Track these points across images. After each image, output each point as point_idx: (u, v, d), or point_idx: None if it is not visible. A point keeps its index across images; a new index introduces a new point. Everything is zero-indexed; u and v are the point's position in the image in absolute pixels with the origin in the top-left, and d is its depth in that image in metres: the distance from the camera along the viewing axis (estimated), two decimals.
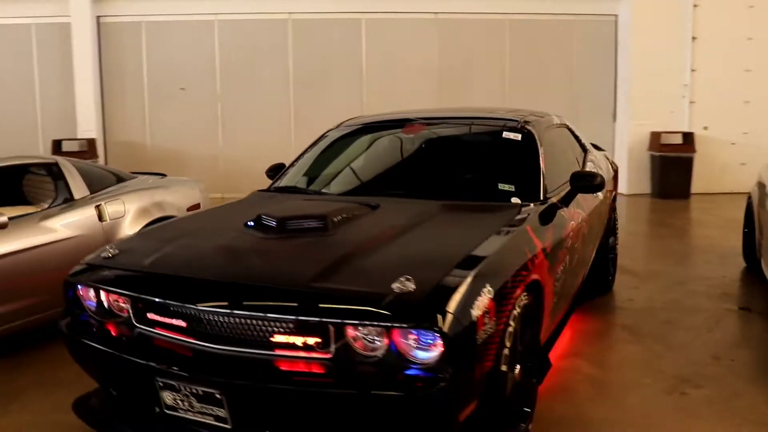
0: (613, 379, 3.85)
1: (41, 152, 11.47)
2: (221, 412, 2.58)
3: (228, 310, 2.57)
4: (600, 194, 4.66)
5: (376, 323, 2.38)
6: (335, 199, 3.74)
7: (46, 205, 4.79)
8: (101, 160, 11.76)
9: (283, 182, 4.27)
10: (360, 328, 2.41)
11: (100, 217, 4.85)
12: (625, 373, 3.91)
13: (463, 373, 2.41)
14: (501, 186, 3.70)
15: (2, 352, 4.23)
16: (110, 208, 4.96)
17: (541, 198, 3.67)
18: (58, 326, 3.13)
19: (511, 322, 2.75)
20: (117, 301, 2.90)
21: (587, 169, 4.86)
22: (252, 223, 3.22)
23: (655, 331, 4.60)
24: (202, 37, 12.00)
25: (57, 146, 11.27)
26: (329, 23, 11.97)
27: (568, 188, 3.92)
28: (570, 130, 5.08)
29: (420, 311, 2.38)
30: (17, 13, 11.76)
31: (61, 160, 5.05)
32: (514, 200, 3.59)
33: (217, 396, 2.55)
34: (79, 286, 3.05)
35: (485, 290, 2.56)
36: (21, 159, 4.97)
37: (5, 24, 11.85)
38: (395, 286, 2.45)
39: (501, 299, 2.65)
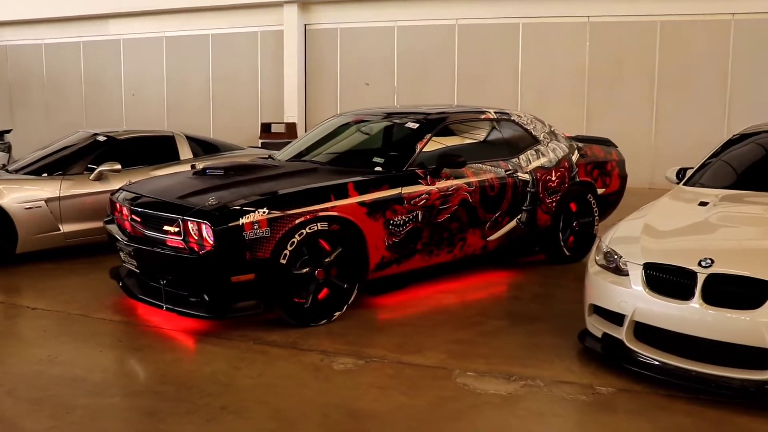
0: (458, 312, 5.19)
1: (258, 133, 14.63)
2: (134, 263, 4.75)
3: (142, 209, 4.73)
4: (514, 175, 5.91)
5: (188, 218, 4.35)
6: (271, 161, 5.68)
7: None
8: None
9: (277, 153, 6.29)
10: (190, 223, 4.37)
11: None
12: (471, 310, 5.21)
13: (228, 250, 4.26)
14: (374, 158, 5.32)
15: (87, 252, 6.72)
16: (200, 165, 7.34)
17: (404, 169, 5.22)
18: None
19: (297, 237, 4.50)
20: (119, 206, 5.17)
21: (526, 155, 6.15)
22: (197, 171, 5.31)
23: (539, 292, 5.74)
24: (384, 41, 14.26)
25: (266, 128, 14.35)
26: (490, 28, 13.47)
27: (484, 165, 5.63)
28: (520, 125, 6.33)
29: (205, 214, 4.30)
30: (249, 23, 15.09)
31: (176, 134, 7.58)
32: (377, 169, 5.21)
33: (132, 253, 4.72)
34: (111, 197, 5.42)
35: (260, 211, 4.36)
36: (150, 132, 7.60)
37: (240, 32, 15.27)
38: (206, 203, 4.39)
39: (278, 219, 4.41)
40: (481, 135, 6.09)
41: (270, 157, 6.20)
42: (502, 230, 5.91)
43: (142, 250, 4.66)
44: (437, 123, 5.64)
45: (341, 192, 4.77)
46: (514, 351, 4.30)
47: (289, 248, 4.47)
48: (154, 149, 7.40)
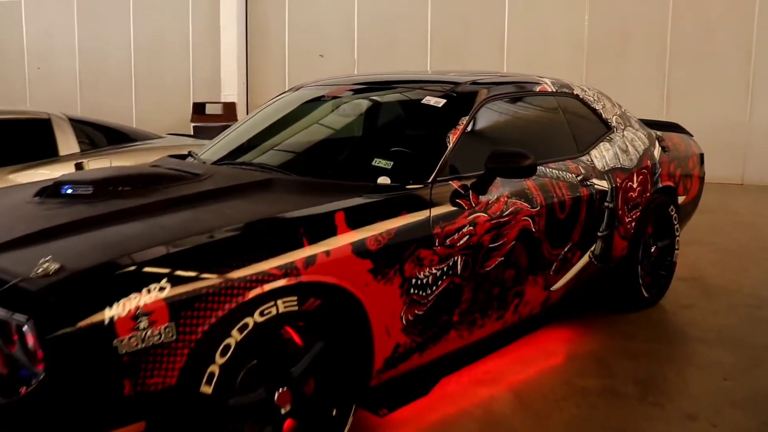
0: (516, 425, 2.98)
1: (190, 115, 12.09)
2: None
3: None
4: (588, 183, 3.69)
5: None
6: (188, 166, 3.24)
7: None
8: None
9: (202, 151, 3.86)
10: None
11: None
12: (552, 428, 3.00)
13: (80, 380, 1.88)
14: (376, 162, 2.97)
15: None
16: (92, 165, 4.91)
17: (431, 180, 2.90)
18: None
19: (236, 334, 2.14)
20: None
21: (600, 149, 3.91)
22: (45, 188, 2.87)
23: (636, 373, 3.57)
24: (342, 3, 11.87)
25: (199, 109, 11.81)
26: None
27: (548, 169, 3.22)
28: (585, 103, 4.09)
29: (26, 298, 1.90)
30: None
31: (55, 117, 5.07)
32: (383, 180, 2.86)
33: None
34: None
35: (153, 286, 1.98)
36: (12, 113, 5.05)
37: None
38: (35, 270, 1.98)
39: (194, 301, 2.04)
40: (537, 119, 3.83)
41: (190, 155, 3.74)
42: (570, 272, 3.69)
43: None
44: (473, 98, 3.33)
45: (322, 229, 2.43)
46: None
47: (221, 359, 2.11)
48: (19, 140, 4.90)
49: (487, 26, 11.24)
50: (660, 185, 4.41)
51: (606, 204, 3.84)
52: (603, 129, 4.12)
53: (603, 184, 3.83)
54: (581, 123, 3.99)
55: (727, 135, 10.33)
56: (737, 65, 10.32)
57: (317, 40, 12.02)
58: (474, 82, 3.49)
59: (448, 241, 2.81)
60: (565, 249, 3.56)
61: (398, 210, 2.68)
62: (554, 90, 3.88)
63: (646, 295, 4.39)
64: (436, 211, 2.81)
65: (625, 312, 4.35)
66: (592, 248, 3.81)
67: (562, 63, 10.86)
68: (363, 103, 3.70)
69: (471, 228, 2.92)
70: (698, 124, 10.21)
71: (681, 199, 4.77)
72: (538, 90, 3.79)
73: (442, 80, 3.56)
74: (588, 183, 3.71)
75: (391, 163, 2.95)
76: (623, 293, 4.32)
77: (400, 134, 3.44)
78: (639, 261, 4.28)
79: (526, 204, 3.23)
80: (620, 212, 3.97)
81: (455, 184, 2.96)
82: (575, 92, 4.07)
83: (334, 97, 3.70)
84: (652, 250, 4.47)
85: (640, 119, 5.01)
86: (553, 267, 3.51)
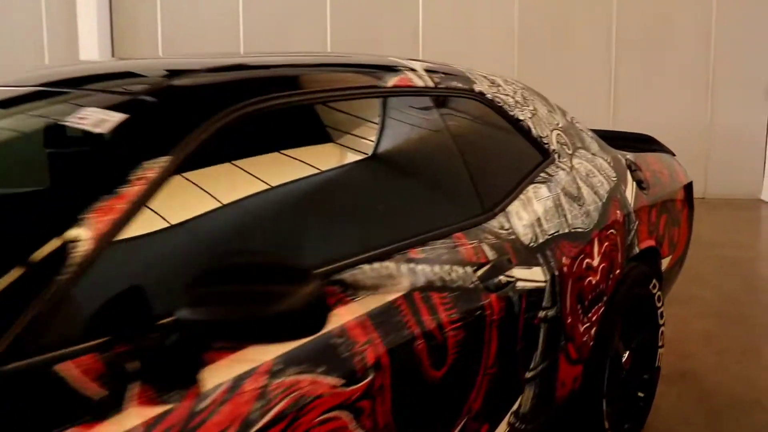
0: None
1: None
2: None
3: None
4: (502, 284, 1.73)
5: None
6: None
7: None
8: None
9: None
10: None
11: None
12: None
13: None
14: None
15: None
16: None
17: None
18: None
19: None
20: None
21: (527, 201, 1.96)
22: None
23: None
24: None
25: None
26: None
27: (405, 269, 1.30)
28: (497, 109, 2.13)
29: None
30: None
31: None
32: None
33: None
34: None
35: None
36: None
37: None
38: None
39: None
40: (385, 151, 1.82)
41: None
42: None
43: None
44: (199, 109, 1.30)
45: None
46: None
47: None
48: None
49: (397, 16, 9.44)
50: (636, 250, 2.50)
51: (542, 313, 1.89)
52: (534, 157, 2.17)
53: (534, 276, 1.88)
54: (489, 148, 2.03)
55: (685, 139, 8.67)
56: (695, 56, 8.78)
57: (196, 41, 10.01)
58: (213, 69, 1.48)
59: None
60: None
61: None
62: (431, 85, 1.90)
63: None
64: None
65: None
66: (513, 407, 1.85)
67: (489, 56, 9.08)
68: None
69: None
70: (650, 127, 8.48)
71: (666, 261, 2.91)
72: (391, 85, 1.79)
73: (144, 70, 1.54)
74: (501, 281, 1.74)
75: None
76: None
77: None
78: (603, 391, 2.35)
79: (329, 380, 1.23)
80: (569, 321, 2.04)
81: (75, 368, 0.94)
82: (476, 88, 2.08)
83: None
84: (623, 360, 2.56)
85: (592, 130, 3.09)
86: None
